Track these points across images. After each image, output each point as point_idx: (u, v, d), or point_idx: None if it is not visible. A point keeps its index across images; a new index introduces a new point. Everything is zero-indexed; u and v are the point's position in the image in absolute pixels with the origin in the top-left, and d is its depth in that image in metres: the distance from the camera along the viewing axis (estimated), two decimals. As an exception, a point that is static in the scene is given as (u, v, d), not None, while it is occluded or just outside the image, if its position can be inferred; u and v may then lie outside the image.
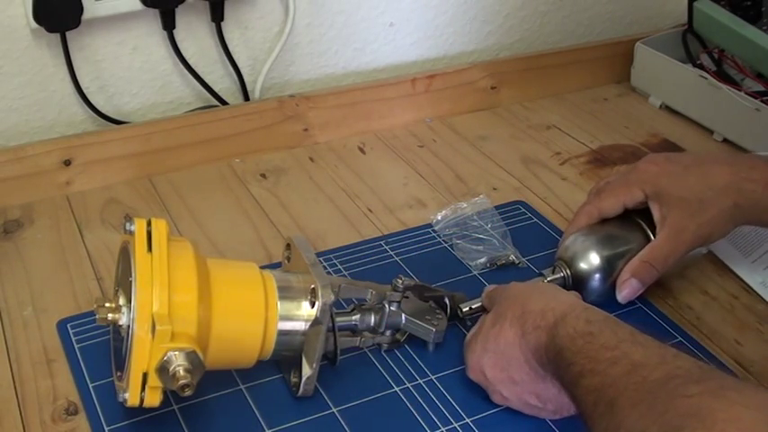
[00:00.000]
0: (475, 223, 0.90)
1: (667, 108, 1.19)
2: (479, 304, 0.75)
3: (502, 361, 0.66)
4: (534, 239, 0.89)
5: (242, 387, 0.71)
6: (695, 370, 0.52)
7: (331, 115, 1.08)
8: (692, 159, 0.79)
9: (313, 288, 0.66)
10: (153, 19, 1.00)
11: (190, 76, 1.05)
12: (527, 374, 0.65)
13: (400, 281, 0.72)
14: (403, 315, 0.73)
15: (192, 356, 0.59)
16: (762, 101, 1.05)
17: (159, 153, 1.00)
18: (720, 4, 1.12)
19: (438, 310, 0.75)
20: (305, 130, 1.08)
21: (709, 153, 0.79)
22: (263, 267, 0.68)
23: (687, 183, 0.75)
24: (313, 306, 0.66)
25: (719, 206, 0.74)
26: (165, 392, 0.61)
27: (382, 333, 0.73)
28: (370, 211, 0.95)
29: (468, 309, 0.75)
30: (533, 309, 0.65)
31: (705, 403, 0.47)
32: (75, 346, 0.74)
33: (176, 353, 0.58)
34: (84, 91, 0.99)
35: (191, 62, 1.04)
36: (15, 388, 0.71)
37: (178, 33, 1.02)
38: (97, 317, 0.61)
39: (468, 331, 0.75)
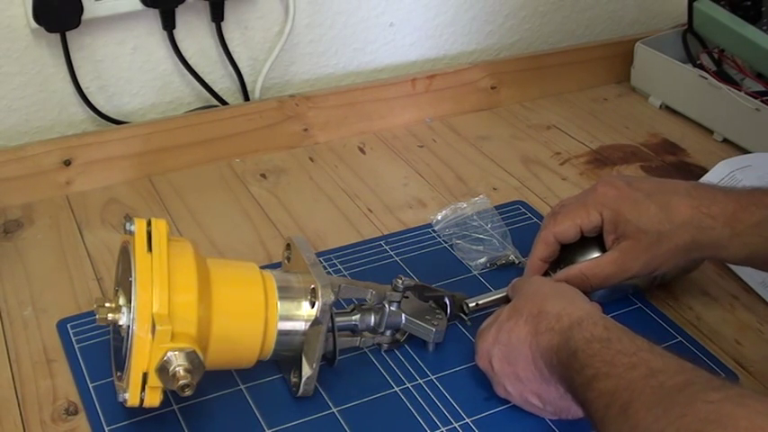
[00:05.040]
0: (475, 223, 0.90)
1: (667, 108, 1.19)
2: (486, 300, 0.75)
3: (511, 355, 0.66)
4: (534, 239, 0.89)
5: (242, 387, 0.71)
6: (715, 379, 0.51)
7: (331, 115, 1.08)
8: (653, 187, 0.75)
9: (313, 288, 0.66)
10: (153, 19, 1.00)
11: (190, 76, 1.05)
12: (532, 373, 0.65)
13: (400, 281, 0.72)
14: (403, 315, 0.73)
15: (191, 356, 0.59)
16: (762, 101, 1.05)
17: (159, 153, 1.00)
18: (720, 4, 1.12)
19: (438, 310, 0.75)
20: (305, 130, 1.08)
21: (670, 182, 0.75)
22: (263, 267, 0.68)
23: (648, 212, 0.72)
24: (313, 306, 0.66)
25: (676, 241, 0.72)
26: (165, 392, 0.61)
27: (382, 333, 0.73)
28: (370, 211, 0.95)
29: (474, 304, 0.75)
30: (550, 310, 0.65)
31: (726, 410, 0.47)
32: (75, 346, 0.74)
33: (176, 353, 0.58)
34: (84, 91, 0.99)
35: (191, 62, 1.04)
36: (15, 388, 0.71)
37: (178, 33, 1.02)
38: (97, 317, 0.61)
39: (467, 331, 0.75)
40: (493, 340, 0.67)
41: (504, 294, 0.76)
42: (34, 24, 0.93)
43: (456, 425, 0.68)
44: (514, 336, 0.66)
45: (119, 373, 0.64)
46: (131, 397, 0.60)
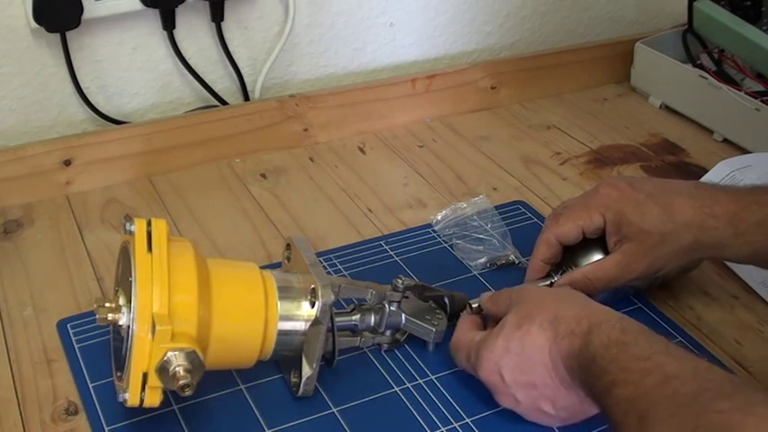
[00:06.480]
0: (475, 223, 0.90)
1: (667, 108, 1.19)
2: None
3: (525, 364, 0.64)
4: (534, 239, 0.88)
5: (242, 387, 0.71)
6: (726, 384, 0.52)
7: (331, 115, 1.08)
8: (655, 187, 0.75)
9: (313, 288, 0.66)
10: (153, 19, 1.00)
11: (190, 76, 1.05)
12: (551, 380, 0.63)
13: (400, 281, 0.72)
14: (403, 315, 0.73)
15: (191, 356, 0.59)
16: (762, 101, 1.05)
17: (159, 153, 1.00)
18: (720, 4, 1.12)
19: (438, 310, 0.75)
20: (305, 130, 1.08)
21: (672, 182, 0.75)
22: (263, 267, 0.68)
23: (650, 213, 0.72)
24: (313, 306, 0.66)
25: (679, 242, 0.72)
26: (165, 392, 0.61)
27: (382, 333, 0.73)
28: (370, 211, 0.95)
29: (477, 305, 0.75)
30: (567, 314, 0.63)
31: (735, 419, 0.48)
32: (75, 346, 0.74)
33: (176, 353, 0.58)
34: (84, 91, 0.99)
35: (191, 62, 1.04)
36: (15, 388, 0.71)
37: (178, 33, 1.02)
38: (97, 317, 0.61)
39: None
40: (502, 351, 0.65)
41: None
42: (34, 24, 0.93)
43: (456, 425, 0.68)
44: (528, 343, 0.64)
45: (119, 373, 0.64)
46: (131, 397, 0.60)
